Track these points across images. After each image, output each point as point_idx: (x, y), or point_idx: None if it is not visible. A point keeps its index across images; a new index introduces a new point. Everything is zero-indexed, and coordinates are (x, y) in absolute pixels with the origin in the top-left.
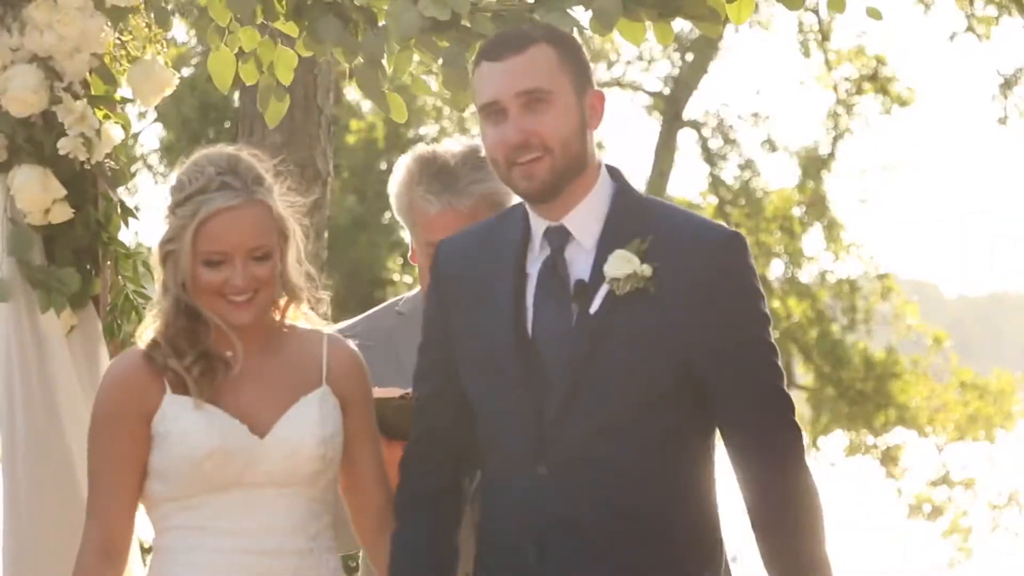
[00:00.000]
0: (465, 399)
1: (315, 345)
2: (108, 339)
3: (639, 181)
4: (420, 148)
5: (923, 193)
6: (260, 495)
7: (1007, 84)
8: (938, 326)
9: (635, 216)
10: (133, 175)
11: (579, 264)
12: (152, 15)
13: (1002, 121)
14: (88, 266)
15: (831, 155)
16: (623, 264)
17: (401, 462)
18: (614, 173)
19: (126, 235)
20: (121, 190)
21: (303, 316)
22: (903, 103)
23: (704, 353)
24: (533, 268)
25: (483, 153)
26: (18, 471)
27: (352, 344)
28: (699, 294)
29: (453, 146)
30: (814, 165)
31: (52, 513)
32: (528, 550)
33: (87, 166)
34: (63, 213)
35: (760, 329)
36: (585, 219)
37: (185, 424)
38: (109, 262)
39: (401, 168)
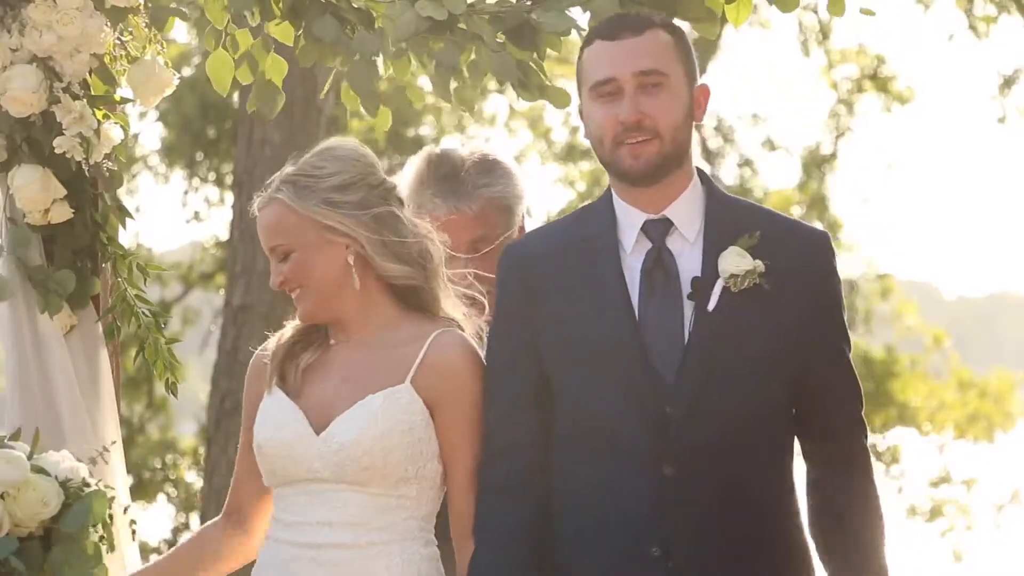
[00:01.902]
0: (543, 402)
1: (418, 342)
2: (107, 340)
3: None
4: (429, 149)
5: (923, 193)
6: (318, 490)
7: (1006, 83)
8: (937, 326)
9: (734, 213)
10: (133, 176)
11: (686, 258)
12: (149, 16)
13: (1002, 120)
14: (88, 266)
15: (833, 154)
16: (739, 260)
17: (481, 469)
18: (701, 173)
19: (125, 236)
20: (121, 191)
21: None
22: (903, 101)
23: (811, 349)
24: (631, 261)
25: (493, 156)
26: None
27: (467, 344)
28: (808, 291)
29: (462, 148)
30: (816, 164)
31: None
32: (651, 552)
33: (85, 166)
34: (63, 213)
35: (844, 319)
36: (686, 212)
37: (260, 412)
38: (108, 263)
39: (410, 169)
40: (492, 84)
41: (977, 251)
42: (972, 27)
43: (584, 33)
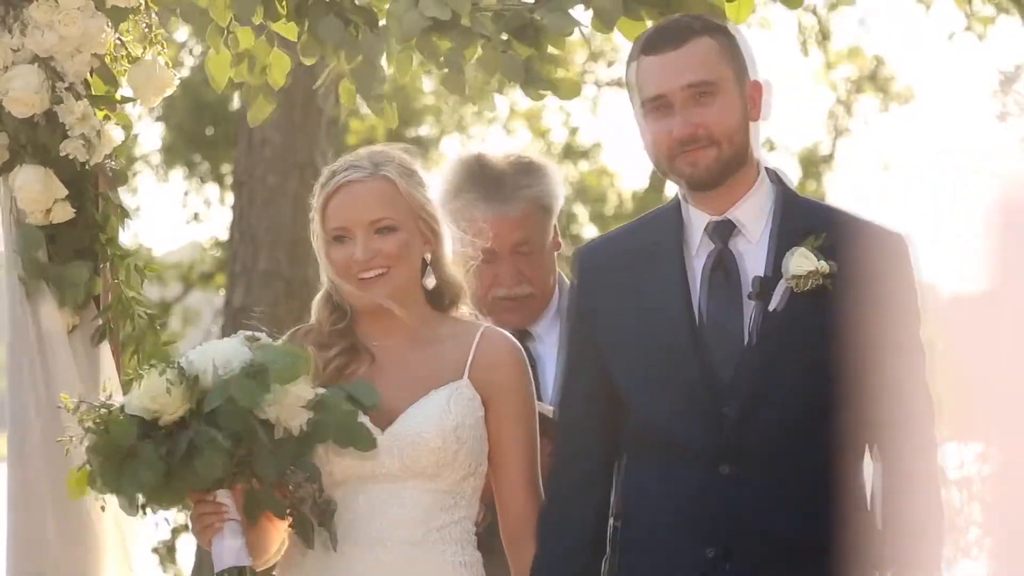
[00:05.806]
0: (609, 403)
1: (468, 338)
2: (102, 340)
3: (639, 181)
4: (462, 154)
5: (922, 193)
6: (380, 487)
7: (1006, 82)
8: (936, 326)
9: (803, 214)
10: (134, 175)
11: (751, 259)
12: (152, 15)
13: (1001, 118)
14: (90, 265)
15: (831, 155)
16: (803, 261)
17: (551, 470)
18: (772, 174)
19: (126, 236)
20: (121, 191)
21: (467, 313)
22: (903, 101)
23: (877, 351)
24: (696, 263)
25: (529, 158)
26: (22, 470)
27: (513, 340)
28: (876, 295)
29: (495, 152)
30: (814, 165)
31: (55, 513)
32: (708, 551)
33: (87, 167)
34: (64, 213)
35: (920, 330)
36: (751, 213)
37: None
38: (108, 263)
39: (445, 177)
40: (492, 83)
41: (977, 251)
42: (970, 28)
43: (585, 32)
